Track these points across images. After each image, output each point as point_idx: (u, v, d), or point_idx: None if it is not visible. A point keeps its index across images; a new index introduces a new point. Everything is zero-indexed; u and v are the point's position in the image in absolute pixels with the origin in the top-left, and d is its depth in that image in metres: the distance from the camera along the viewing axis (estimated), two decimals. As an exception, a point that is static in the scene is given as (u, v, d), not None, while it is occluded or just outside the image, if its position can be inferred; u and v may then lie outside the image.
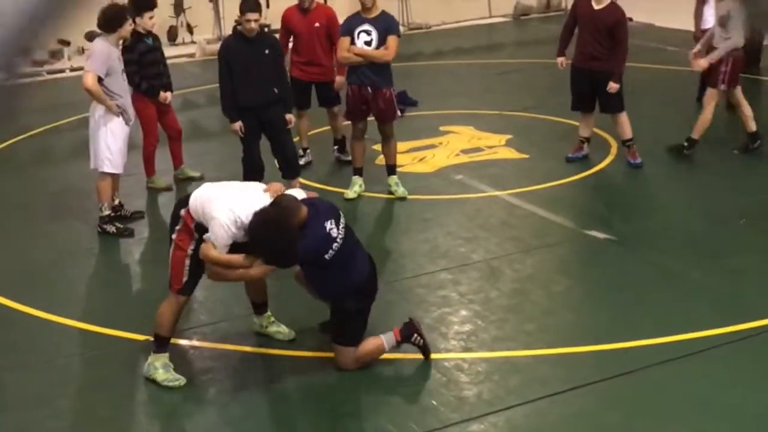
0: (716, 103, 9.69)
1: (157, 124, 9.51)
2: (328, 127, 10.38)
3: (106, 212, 8.49)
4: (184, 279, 5.84)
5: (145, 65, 9.21)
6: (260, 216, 5.48)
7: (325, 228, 5.66)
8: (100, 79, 8.18)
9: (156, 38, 9.49)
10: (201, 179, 9.76)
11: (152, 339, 6.02)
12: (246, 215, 5.53)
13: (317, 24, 9.54)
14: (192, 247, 5.79)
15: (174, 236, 5.87)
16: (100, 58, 8.23)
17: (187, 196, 5.97)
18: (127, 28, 8.43)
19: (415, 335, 5.97)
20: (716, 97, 9.66)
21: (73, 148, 11.24)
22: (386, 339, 5.95)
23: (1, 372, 6.23)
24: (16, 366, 6.30)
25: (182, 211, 5.84)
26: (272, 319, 6.46)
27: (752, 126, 9.84)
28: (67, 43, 16.66)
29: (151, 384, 5.92)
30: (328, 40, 9.60)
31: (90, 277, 7.94)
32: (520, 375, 5.86)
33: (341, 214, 5.90)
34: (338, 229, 5.73)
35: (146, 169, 9.62)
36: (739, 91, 9.73)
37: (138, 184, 9.62)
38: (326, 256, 5.67)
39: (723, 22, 9.42)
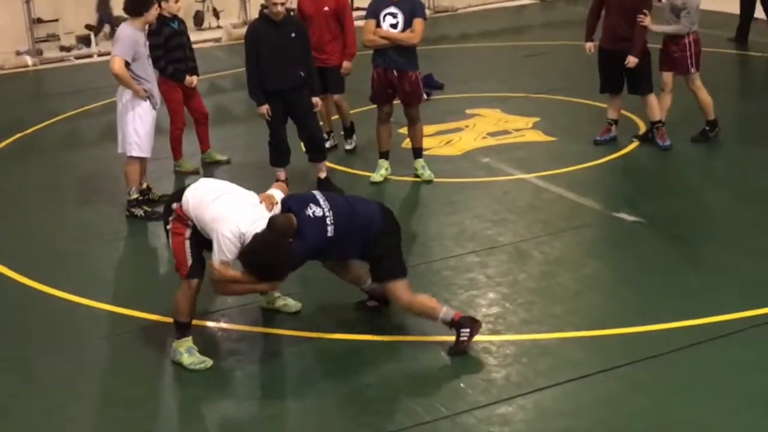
0: (700, 83, 9.57)
1: (183, 108, 9.53)
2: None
3: (134, 196, 8.52)
4: (189, 262, 5.88)
5: (170, 49, 9.22)
6: (260, 243, 5.58)
7: (311, 217, 5.78)
8: (127, 64, 8.19)
9: (182, 22, 9.50)
10: (228, 162, 9.80)
11: (174, 325, 6.05)
12: (249, 232, 5.61)
13: (326, 8, 9.44)
14: (188, 232, 5.85)
15: (169, 226, 5.93)
16: (126, 43, 8.23)
17: (180, 191, 6.01)
18: (153, 12, 8.41)
19: (469, 332, 5.91)
20: (697, 78, 9.54)
21: (101, 132, 11.30)
22: (445, 310, 5.96)
23: (29, 355, 6.26)
24: (45, 349, 6.34)
25: (174, 206, 5.90)
26: (277, 294, 6.54)
27: (711, 113, 9.66)
28: (95, 29, 16.72)
29: (177, 366, 5.94)
30: (338, 24, 9.52)
31: (118, 260, 7.97)
32: (549, 358, 5.83)
33: (315, 192, 6.06)
34: (321, 207, 5.84)
35: (173, 153, 9.65)
36: (698, 77, 9.57)
37: (165, 168, 9.65)
38: (329, 236, 5.79)
39: (675, 10, 9.34)
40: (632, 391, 5.45)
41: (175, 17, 9.30)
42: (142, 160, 8.60)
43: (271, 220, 5.71)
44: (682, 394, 5.39)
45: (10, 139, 11.32)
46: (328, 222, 5.79)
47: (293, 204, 5.90)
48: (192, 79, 9.41)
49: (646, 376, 5.59)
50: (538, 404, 5.38)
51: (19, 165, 10.44)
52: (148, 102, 8.40)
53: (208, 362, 5.92)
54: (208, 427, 5.50)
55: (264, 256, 5.56)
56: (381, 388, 5.65)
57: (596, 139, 9.80)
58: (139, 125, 8.39)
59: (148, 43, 8.54)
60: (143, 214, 8.49)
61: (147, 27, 8.60)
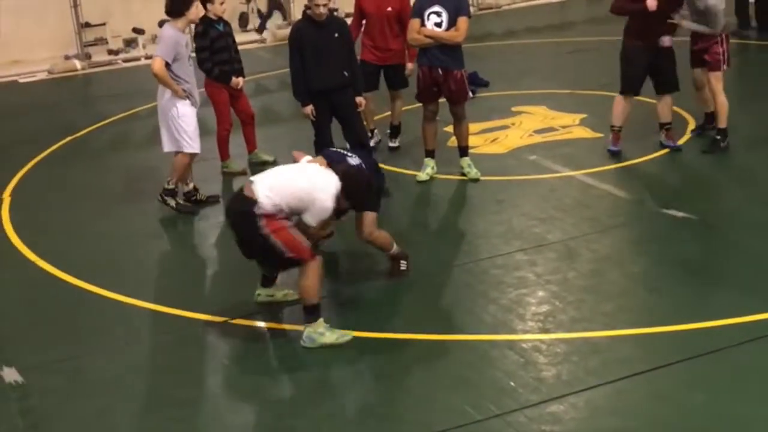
0: (721, 86, 9.16)
1: (229, 109, 9.58)
2: (388, 113, 10.29)
3: (171, 186, 8.65)
4: (306, 244, 6.10)
5: (216, 51, 9.28)
6: (353, 177, 6.34)
7: (355, 165, 6.63)
8: (168, 65, 8.27)
9: (227, 24, 9.54)
10: (274, 163, 9.82)
11: (304, 311, 6.16)
12: (338, 188, 6.20)
13: (389, 8, 9.50)
14: (286, 222, 6.13)
15: (265, 231, 6.03)
16: (168, 44, 8.32)
17: (243, 199, 6.12)
18: (194, 11, 8.46)
19: (407, 263, 7.01)
20: (721, 79, 9.15)
21: (149, 134, 11.37)
22: (395, 247, 6.96)
23: (79, 356, 6.32)
24: (95, 349, 6.40)
25: (258, 211, 6.03)
26: (277, 285, 6.71)
27: (725, 121, 9.23)
28: (142, 32, 16.87)
29: (230, 364, 5.98)
30: (399, 24, 9.55)
31: (166, 261, 8.04)
32: (600, 355, 5.78)
33: (338, 149, 7.08)
34: (353, 157, 6.75)
35: (221, 154, 9.70)
36: (721, 80, 9.20)
37: (213, 169, 9.70)
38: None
39: (698, 12, 8.99)
40: (685, 389, 5.38)
41: (220, 19, 9.35)
42: (192, 157, 8.67)
43: (340, 169, 6.34)
44: (736, 391, 5.31)
45: (61, 143, 11.45)
46: (364, 167, 6.66)
47: (335, 159, 6.60)
48: (238, 81, 9.45)
49: (700, 373, 5.52)
50: (590, 403, 5.33)
51: (69, 168, 10.56)
52: (187, 101, 8.47)
53: (350, 334, 6.11)
54: (259, 426, 5.51)
55: (362, 183, 6.41)
56: (429, 387, 5.63)
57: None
58: (185, 123, 8.48)
59: (189, 44, 8.60)
60: (174, 206, 8.64)
61: (190, 28, 8.63)
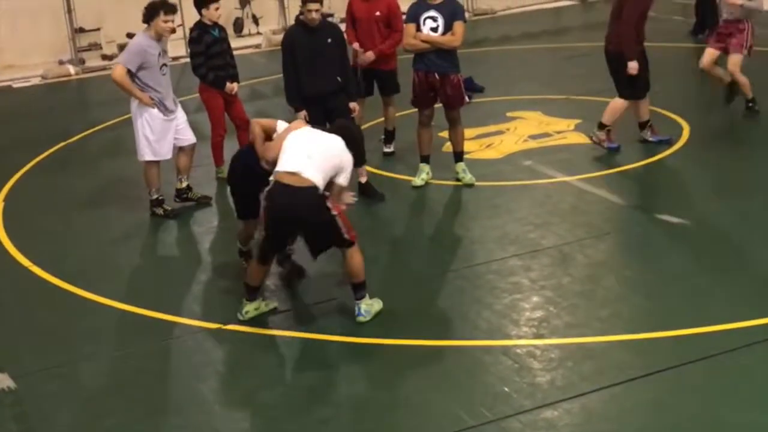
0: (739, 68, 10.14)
1: (224, 114, 9.56)
2: (381, 119, 10.26)
3: (155, 196, 8.76)
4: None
5: (211, 56, 9.27)
6: (351, 126, 6.96)
7: None
8: (132, 73, 8.27)
9: (222, 29, 9.53)
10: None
11: (355, 289, 6.43)
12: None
13: (378, 12, 9.48)
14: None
15: (333, 212, 6.25)
16: (132, 51, 8.43)
17: (299, 191, 6.15)
18: (161, 24, 8.42)
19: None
20: (738, 63, 10.09)
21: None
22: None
23: (73, 362, 6.31)
24: (88, 355, 6.38)
25: (322, 195, 6.24)
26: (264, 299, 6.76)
27: (749, 91, 10.31)
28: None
29: (224, 371, 5.97)
30: (387, 28, 9.53)
31: (160, 267, 8.02)
32: (595, 361, 5.77)
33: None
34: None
35: (215, 160, 9.69)
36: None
37: (207, 174, 9.68)
38: None
39: None
40: (680, 395, 5.37)
41: (215, 24, 9.34)
42: (157, 164, 8.73)
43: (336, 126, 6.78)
44: (731, 398, 5.30)
45: (54, 148, 11.42)
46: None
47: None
48: (233, 86, 9.44)
49: (695, 379, 5.51)
50: (584, 408, 5.31)
51: (63, 173, 10.54)
52: (156, 109, 8.47)
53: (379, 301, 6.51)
54: (258, 430, 5.51)
55: (358, 134, 6.83)
56: (424, 393, 5.61)
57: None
58: (148, 131, 8.56)
59: (163, 54, 8.59)
60: (163, 213, 8.72)
61: (160, 37, 8.56)
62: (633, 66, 9.29)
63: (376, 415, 5.46)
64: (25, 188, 10.04)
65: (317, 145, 6.41)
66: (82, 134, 12.05)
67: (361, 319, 6.38)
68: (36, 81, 15.98)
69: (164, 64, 8.57)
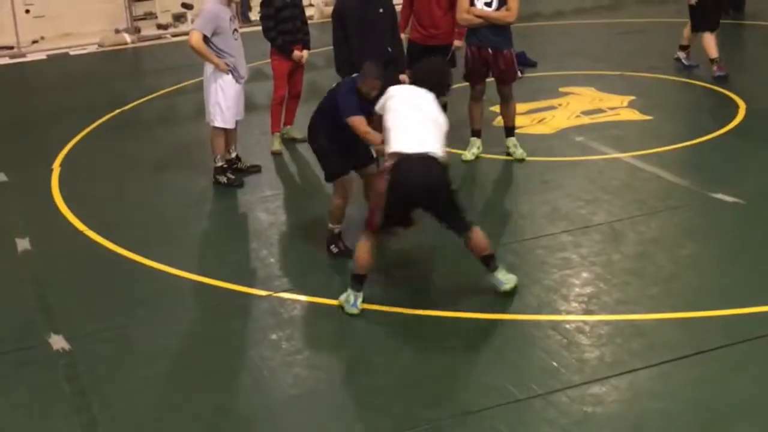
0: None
1: (286, 79, 9.57)
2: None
3: (219, 163, 8.76)
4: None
5: (281, 21, 9.30)
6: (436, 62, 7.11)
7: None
8: (208, 39, 8.33)
9: None
10: (303, 141, 9.78)
11: (483, 261, 6.36)
12: None
13: None
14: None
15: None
16: (206, 18, 8.45)
17: (430, 165, 6.18)
18: None
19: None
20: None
21: (196, 108, 11.37)
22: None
23: (126, 325, 6.41)
24: (142, 319, 6.48)
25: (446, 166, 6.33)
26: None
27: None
28: (191, 7, 16.94)
29: (274, 337, 6.04)
30: (448, 2, 9.45)
31: (213, 233, 8.10)
32: (644, 338, 5.75)
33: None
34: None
35: (272, 124, 9.69)
36: None
37: (257, 141, 9.74)
38: None
39: None
40: (730, 373, 5.34)
41: (287, -11, 9.33)
42: (227, 131, 8.74)
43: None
44: (781, 378, 5.27)
45: (110, 115, 11.56)
46: None
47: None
48: (301, 54, 9.45)
49: (745, 357, 5.48)
50: (633, 385, 5.31)
51: (118, 140, 10.66)
52: (230, 75, 8.52)
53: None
54: (300, 397, 5.55)
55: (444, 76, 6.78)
56: (470, 365, 5.65)
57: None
58: (221, 98, 8.57)
59: (235, 19, 8.66)
60: (226, 181, 8.72)
61: (230, 2, 8.63)
62: None
63: (424, 386, 5.48)
64: (80, 154, 10.17)
65: (424, 111, 6.42)
66: (138, 101, 12.19)
67: (503, 287, 6.30)
68: (92, 49, 16.16)
69: (235, 29, 8.64)
